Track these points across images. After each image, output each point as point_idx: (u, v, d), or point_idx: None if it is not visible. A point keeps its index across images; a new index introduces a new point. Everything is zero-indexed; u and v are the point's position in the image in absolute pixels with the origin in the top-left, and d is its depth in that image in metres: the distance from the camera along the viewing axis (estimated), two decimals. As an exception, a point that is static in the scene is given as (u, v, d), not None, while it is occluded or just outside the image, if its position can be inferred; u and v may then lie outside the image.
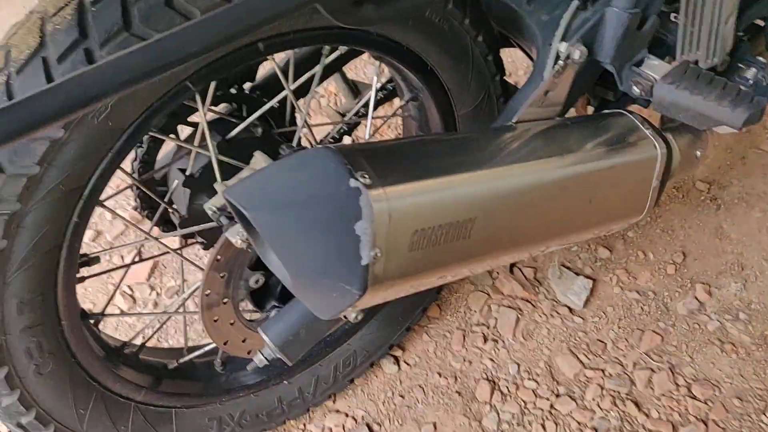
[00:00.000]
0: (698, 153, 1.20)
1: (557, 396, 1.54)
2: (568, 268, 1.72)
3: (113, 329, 1.64)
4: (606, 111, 1.09)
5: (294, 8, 0.70)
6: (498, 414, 1.52)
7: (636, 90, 1.01)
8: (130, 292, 1.72)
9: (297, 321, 1.07)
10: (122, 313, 1.38)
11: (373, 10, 0.82)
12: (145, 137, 1.22)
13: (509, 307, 1.67)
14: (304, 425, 1.53)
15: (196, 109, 1.12)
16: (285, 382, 1.42)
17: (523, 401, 1.54)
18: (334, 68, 1.36)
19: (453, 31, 1.12)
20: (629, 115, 1.06)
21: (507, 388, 1.56)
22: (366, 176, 0.72)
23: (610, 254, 1.76)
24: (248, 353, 1.20)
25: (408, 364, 1.61)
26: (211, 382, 1.33)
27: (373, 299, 0.76)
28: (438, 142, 0.85)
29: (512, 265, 1.72)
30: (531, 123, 0.95)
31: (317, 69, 1.14)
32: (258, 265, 1.11)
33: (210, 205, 1.01)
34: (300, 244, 0.71)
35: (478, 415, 1.52)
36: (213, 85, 1.05)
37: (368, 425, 1.53)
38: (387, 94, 1.45)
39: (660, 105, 0.99)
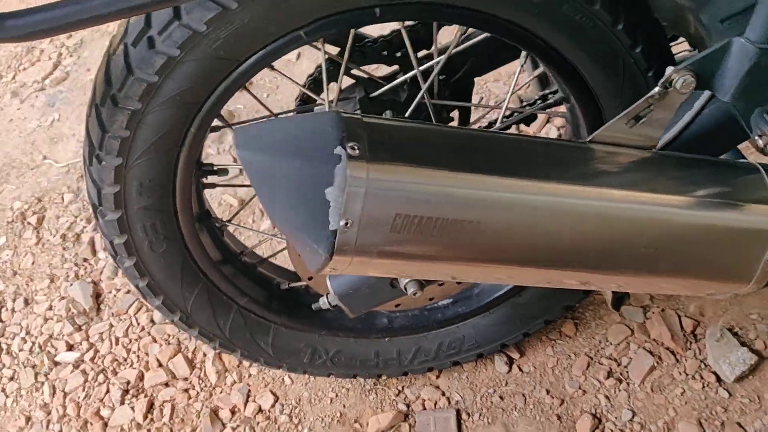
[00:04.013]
0: None
1: (661, 462, 1.38)
2: (735, 333, 1.50)
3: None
4: (739, 160, 0.93)
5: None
6: (589, 454, 1.41)
7: (760, 142, 0.85)
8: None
9: (362, 278, 1.12)
10: (241, 226, 1.55)
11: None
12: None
13: (649, 352, 1.51)
14: (403, 387, 1.58)
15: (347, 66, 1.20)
16: (386, 339, 1.48)
17: (622, 452, 1.41)
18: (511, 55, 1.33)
19: (600, 35, 1.04)
20: (763, 172, 0.89)
21: (611, 431, 1.44)
22: (356, 148, 0.74)
23: (797, 336, 1.49)
24: (327, 294, 1.28)
25: (521, 370, 1.56)
26: (316, 313, 1.44)
27: (346, 266, 0.78)
28: (472, 138, 0.82)
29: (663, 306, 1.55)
30: (613, 147, 0.86)
31: (442, 58, 1.14)
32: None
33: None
34: (284, 195, 0.76)
35: (569, 446, 1.43)
36: (351, 40, 1.12)
37: (458, 411, 1.53)
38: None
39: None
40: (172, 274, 1.26)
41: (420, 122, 0.88)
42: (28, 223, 2.16)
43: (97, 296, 1.94)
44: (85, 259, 2.03)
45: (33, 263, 2.06)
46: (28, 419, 1.76)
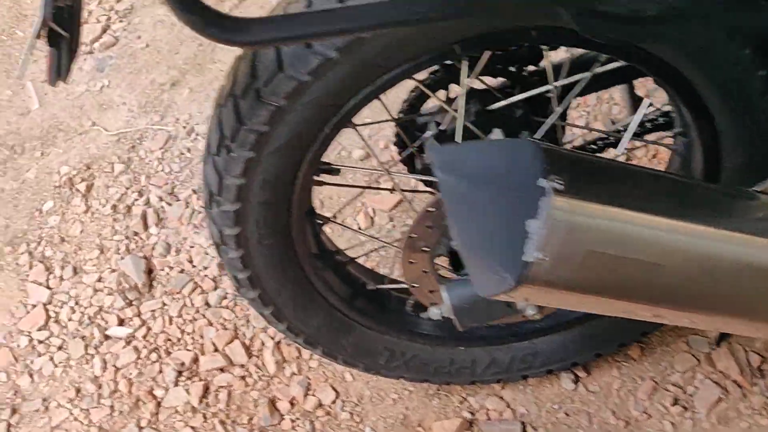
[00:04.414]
0: None
1: (725, 494, 1.41)
2: (803, 374, 1.53)
3: (346, 240, 1.81)
4: None
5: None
6: (654, 479, 1.44)
7: None
8: (372, 215, 1.89)
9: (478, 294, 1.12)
10: (342, 224, 1.55)
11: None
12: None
13: (716, 383, 1.54)
14: (466, 395, 1.59)
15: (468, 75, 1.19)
16: (462, 348, 1.48)
17: (686, 481, 1.43)
18: (619, 79, 1.34)
19: (741, 79, 1.05)
20: None
21: (676, 459, 1.46)
22: (559, 182, 0.74)
23: None
24: (432, 304, 1.28)
25: (586, 389, 1.58)
26: (398, 317, 1.44)
27: (529, 295, 0.78)
28: (656, 178, 0.82)
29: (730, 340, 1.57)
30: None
31: (586, 75, 1.14)
32: (465, 230, 1.17)
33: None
34: (475, 218, 0.76)
35: (634, 469, 1.45)
36: (486, 56, 1.11)
37: (523, 424, 1.54)
38: (667, 121, 1.38)
39: None
40: (273, 269, 1.25)
41: (608, 159, 0.88)
42: (77, 190, 2.12)
43: (149, 272, 1.92)
44: (136, 233, 2.00)
45: (81, 231, 2.03)
46: (77, 391, 1.74)
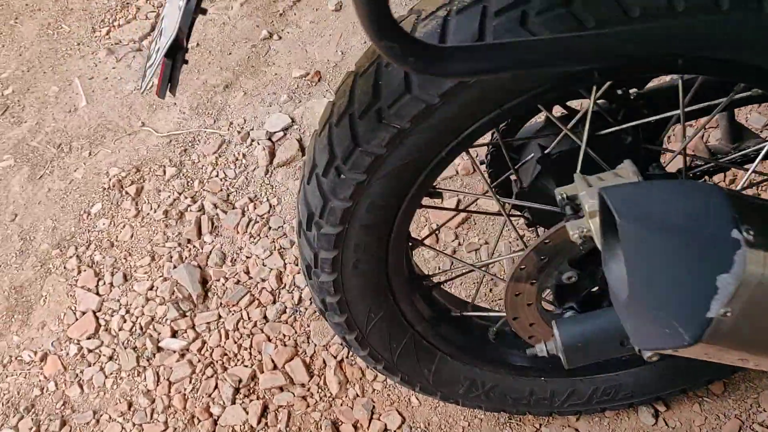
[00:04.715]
0: None
1: None
2: None
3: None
4: None
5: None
6: None
7: None
8: (437, 232, 1.83)
9: (595, 333, 1.06)
10: (437, 250, 1.49)
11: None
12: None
13: (806, 425, 1.48)
14: (540, 425, 1.53)
15: (580, 95, 1.13)
16: (542, 379, 1.42)
17: None
18: (732, 105, 1.27)
19: None
20: None
21: (765, 504, 1.40)
22: (751, 233, 0.67)
23: None
24: (529, 338, 1.22)
25: (666, 424, 1.51)
26: (481, 346, 1.38)
27: (699, 352, 0.72)
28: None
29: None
30: None
31: (723, 101, 1.07)
32: (577, 263, 1.11)
33: (561, 191, 1.03)
34: (655, 269, 0.69)
35: None
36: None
37: (600, 459, 1.48)
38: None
39: None
40: (365, 294, 1.19)
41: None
42: (126, 193, 2.06)
43: (204, 282, 1.85)
44: (189, 240, 1.94)
45: (132, 237, 1.97)
46: (129, 405, 1.67)
